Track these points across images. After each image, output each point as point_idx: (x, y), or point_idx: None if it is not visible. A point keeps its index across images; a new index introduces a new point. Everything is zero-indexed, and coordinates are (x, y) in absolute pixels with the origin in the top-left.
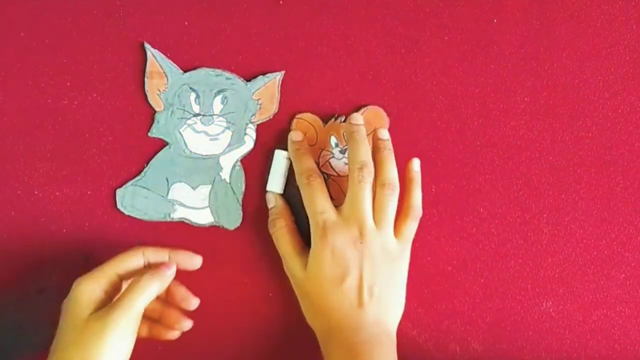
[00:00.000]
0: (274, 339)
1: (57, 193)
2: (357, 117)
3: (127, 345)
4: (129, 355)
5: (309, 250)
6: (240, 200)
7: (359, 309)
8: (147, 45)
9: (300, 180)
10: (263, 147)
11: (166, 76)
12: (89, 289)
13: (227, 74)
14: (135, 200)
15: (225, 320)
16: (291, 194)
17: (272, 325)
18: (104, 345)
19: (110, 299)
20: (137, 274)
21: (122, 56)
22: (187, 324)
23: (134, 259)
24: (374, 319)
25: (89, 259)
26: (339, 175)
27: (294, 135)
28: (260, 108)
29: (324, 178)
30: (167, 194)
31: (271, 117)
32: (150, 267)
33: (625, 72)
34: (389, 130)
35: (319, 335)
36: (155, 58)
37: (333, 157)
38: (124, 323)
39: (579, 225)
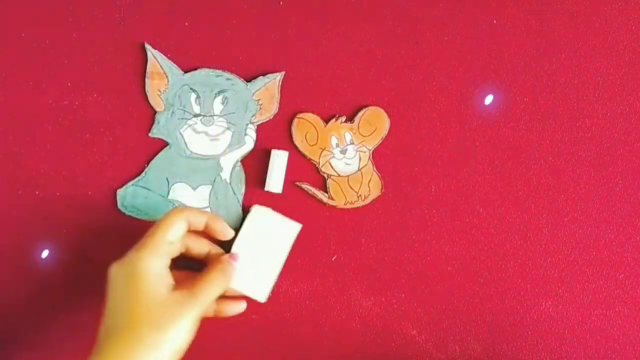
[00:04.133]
0: (274, 338)
1: (57, 193)
2: None
3: (193, 333)
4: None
5: None
6: (240, 200)
7: None
8: (147, 46)
9: None
10: (263, 147)
11: (167, 77)
12: (156, 263)
13: (228, 75)
14: (135, 200)
15: (225, 320)
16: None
17: (272, 325)
18: (183, 330)
19: (168, 269)
20: (206, 259)
21: (123, 57)
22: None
23: (179, 225)
24: None
25: (89, 259)
26: (339, 176)
27: None
28: (260, 108)
29: (324, 178)
30: (168, 194)
31: (271, 117)
32: (204, 232)
33: (625, 72)
34: (389, 129)
35: None
36: (155, 58)
37: (334, 157)
38: (200, 312)
39: (578, 225)
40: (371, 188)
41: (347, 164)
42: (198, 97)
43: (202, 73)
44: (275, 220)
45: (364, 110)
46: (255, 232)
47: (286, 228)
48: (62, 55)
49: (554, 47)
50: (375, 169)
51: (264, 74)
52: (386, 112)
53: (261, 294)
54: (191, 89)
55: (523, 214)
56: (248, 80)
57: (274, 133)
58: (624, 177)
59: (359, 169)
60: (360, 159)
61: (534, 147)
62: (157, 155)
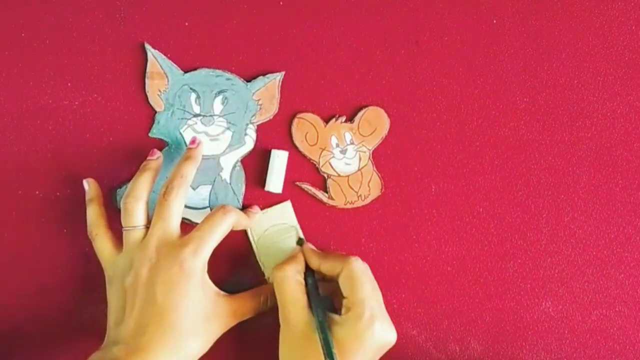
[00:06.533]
0: (275, 338)
1: (57, 193)
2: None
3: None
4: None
5: None
6: (240, 200)
7: None
8: (147, 46)
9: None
10: (263, 147)
11: (167, 76)
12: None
13: (228, 75)
14: None
15: None
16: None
17: (272, 324)
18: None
19: None
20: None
21: (123, 57)
22: None
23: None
24: None
25: (89, 259)
26: (339, 176)
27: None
28: (260, 108)
29: (324, 178)
30: None
31: (271, 117)
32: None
33: (625, 72)
34: (389, 129)
35: None
36: (155, 58)
37: (334, 157)
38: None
39: (578, 225)
40: (371, 188)
41: (347, 164)
42: (198, 97)
43: (202, 73)
44: (270, 214)
45: (364, 110)
46: (263, 231)
47: (281, 211)
48: (62, 55)
49: (554, 47)
50: (375, 169)
51: (264, 74)
52: (386, 112)
53: None
54: (191, 89)
55: (523, 214)
56: (248, 80)
57: (274, 133)
58: (624, 177)
59: (359, 169)
60: (360, 159)
61: (534, 147)
62: None
